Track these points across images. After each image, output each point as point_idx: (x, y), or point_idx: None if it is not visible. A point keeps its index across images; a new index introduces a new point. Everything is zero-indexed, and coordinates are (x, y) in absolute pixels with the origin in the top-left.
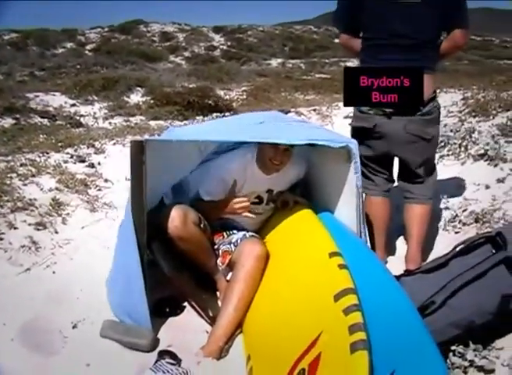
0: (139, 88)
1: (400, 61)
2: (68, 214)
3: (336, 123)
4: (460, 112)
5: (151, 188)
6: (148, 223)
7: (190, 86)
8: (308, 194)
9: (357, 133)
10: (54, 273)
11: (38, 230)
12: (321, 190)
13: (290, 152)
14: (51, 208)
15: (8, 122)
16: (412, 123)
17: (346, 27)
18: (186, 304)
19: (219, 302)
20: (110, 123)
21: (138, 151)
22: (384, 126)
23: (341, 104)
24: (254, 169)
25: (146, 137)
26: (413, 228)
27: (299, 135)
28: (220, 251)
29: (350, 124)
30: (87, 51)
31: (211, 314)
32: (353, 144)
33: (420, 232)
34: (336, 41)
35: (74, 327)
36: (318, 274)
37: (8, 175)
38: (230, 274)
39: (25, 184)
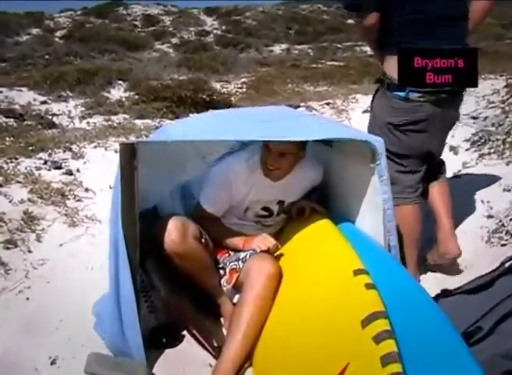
0: (120, 82)
1: (440, 40)
2: (43, 230)
3: (353, 119)
4: (503, 102)
5: (141, 197)
6: (140, 237)
7: (181, 78)
8: (326, 201)
9: (395, 128)
10: (27, 299)
11: (8, 248)
12: (341, 196)
13: (289, 157)
14: (22, 222)
15: None
16: (455, 110)
17: (378, 5)
18: (185, 332)
19: (225, 330)
20: (88, 122)
21: (128, 156)
22: (433, 114)
23: (359, 96)
24: (260, 175)
25: (135, 138)
26: (440, 206)
27: (312, 131)
28: (227, 269)
29: (388, 122)
30: (56, 39)
31: (215, 344)
32: (379, 142)
33: (449, 207)
34: (350, 21)
35: (52, 363)
36: (340, 296)
37: None
38: (237, 296)
39: None
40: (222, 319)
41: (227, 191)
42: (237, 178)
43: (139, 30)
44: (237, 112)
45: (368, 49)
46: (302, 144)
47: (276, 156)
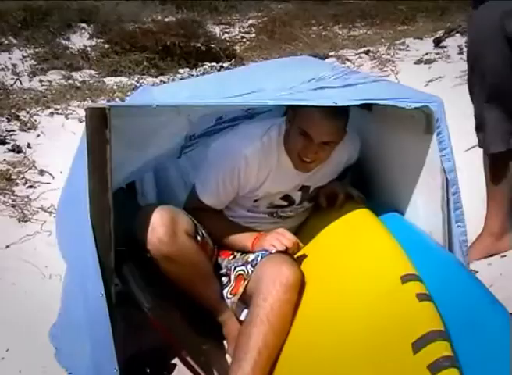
0: (83, 25)
1: None
2: None
3: (402, 72)
4: None
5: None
6: (114, 234)
7: (166, 20)
8: (364, 184)
9: None
10: None
11: None
12: (385, 177)
13: (333, 146)
14: None
15: None
16: None
17: None
18: (176, 360)
19: (228, 357)
20: (41, 81)
21: (99, 124)
22: None
23: (409, 41)
24: (281, 156)
25: (106, 102)
26: None
27: (349, 93)
28: (232, 276)
29: None
30: None
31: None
32: (438, 104)
33: None
34: None
35: None
36: (384, 310)
37: None
38: (245, 312)
39: None
40: (224, 343)
41: (233, 180)
42: (248, 165)
43: None
44: (247, 68)
45: None
46: (345, 123)
47: (318, 146)
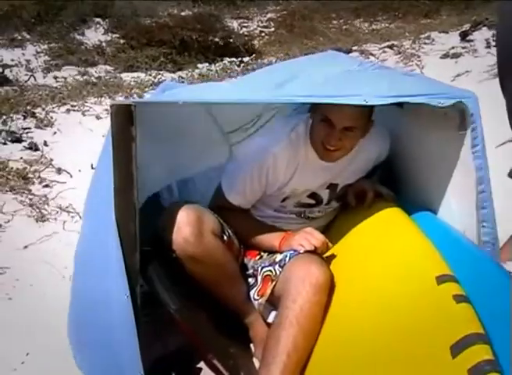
0: (98, 19)
1: None
2: None
3: (428, 66)
4: None
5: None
6: (140, 235)
7: (183, 14)
8: (395, 182)
9: None
10: None
11: None
12: (416, 175)
13: (356, 132)
14: None
15: None
16: None
17: None
18: (202, 364)
19: (256, 360)
20: (56, 77)
21: (124, 122)
22: None
23: (435, 35)
24: (308, 152)
25: (128, 98)
26: None
27: (377, 89)
28: (259, 277)
29: None
30: None
31: None
32: (472, 100)
33: None
34: None
35: None
36: (419, 312)
37: None
38: (273, 314)
39: None
40: (251, 346)
41: (261, 179)
42: (277, 162)
43: None
44: (272, 68)
45: None
46: (370, 111)
47: (341, 132)
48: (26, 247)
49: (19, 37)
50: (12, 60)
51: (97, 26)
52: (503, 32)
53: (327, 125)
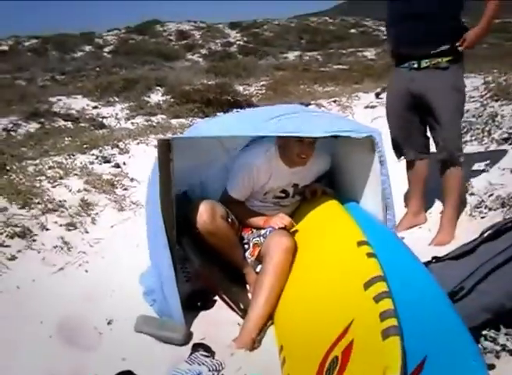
0: (158, 88)
1: None
2: (97, 214)
3: (356, 113)
4: (482, 96)
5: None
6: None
7: (209, 83)
8: (333, 184)
9: None
10: (86, 271)
11: (69, 230)
12: (347, 180)
13: (314, 145)
14: (80, 208)
15: (33, 126)
16: None
17: None
18: (216, 297)
19: (249, 295)
20: (132, 123)
21: (165, 150)
22: None
23: (361, 94)
24: (278, 163)
25: (171, 135)
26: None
27: (322, 127)
28: (250, 244)
29: None
30: (105, 54)
31: (241, 306)
32: (377, 134)
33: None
34: (353, 31)
35: (109, 323)
36: (346, 263)
37: (38, 178)
38: (259, 267)
39: (54, 186)
40: (247, 286)
41: (250, 181)
42: (259, 170)
43: (173, 43)
44: (257, 110)
45: (367, 54)
46: None
47: (308, 145)
48: (112, 226)
49: (112, 100)
50: (107, 113)
51: (157, 91)
52: (388, 93)
53: (299, 143)
